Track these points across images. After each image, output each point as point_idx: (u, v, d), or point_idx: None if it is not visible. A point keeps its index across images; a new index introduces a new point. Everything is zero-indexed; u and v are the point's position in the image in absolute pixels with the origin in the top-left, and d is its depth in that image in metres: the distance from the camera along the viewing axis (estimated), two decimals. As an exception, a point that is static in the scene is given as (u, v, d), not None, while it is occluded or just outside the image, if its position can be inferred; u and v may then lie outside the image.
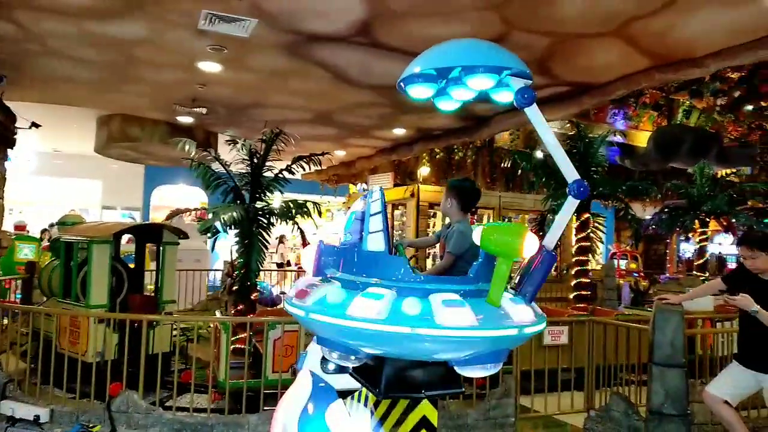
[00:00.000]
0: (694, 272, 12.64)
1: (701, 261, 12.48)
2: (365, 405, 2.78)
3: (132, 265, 7.40)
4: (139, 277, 7.38)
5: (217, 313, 7.18)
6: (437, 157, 11.35)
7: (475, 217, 12.00)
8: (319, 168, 8.07)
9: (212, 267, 13.16)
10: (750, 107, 14.79)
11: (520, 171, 12.22)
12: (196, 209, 10.44)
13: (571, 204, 1.94)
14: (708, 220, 12.25)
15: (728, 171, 15.90)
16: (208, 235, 7.18)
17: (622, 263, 17.89)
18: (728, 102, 14.83)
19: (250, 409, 5.11)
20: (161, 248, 6.99)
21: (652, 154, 14.16)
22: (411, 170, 12.18)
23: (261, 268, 7.24)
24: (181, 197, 18.25)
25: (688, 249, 15.70)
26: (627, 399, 4.92)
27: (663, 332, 4.50)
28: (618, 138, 15.74)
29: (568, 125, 13.37)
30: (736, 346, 4.14)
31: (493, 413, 4.90)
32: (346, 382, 2.89)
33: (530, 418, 5.28)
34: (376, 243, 2.11)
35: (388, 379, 2.16)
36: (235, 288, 7.04)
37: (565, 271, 10.90)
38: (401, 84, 2.17)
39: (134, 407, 4.68)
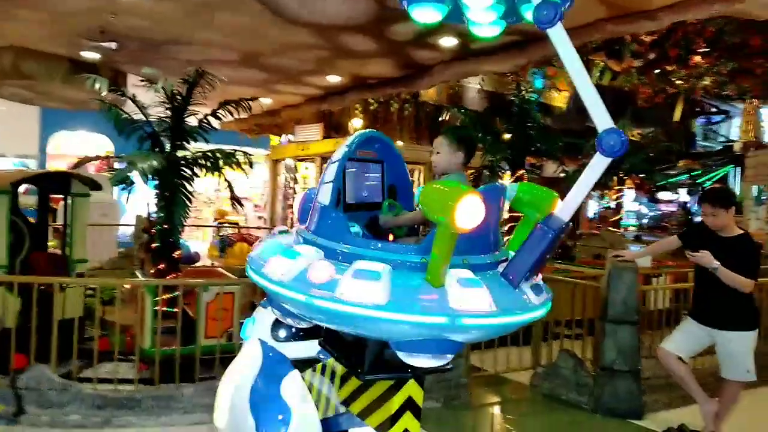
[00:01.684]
0: (610, 228, 13.26)
1: (617, 217, 13.09)
2: (331, 380, 2.45)
3: (33, 220, 6.52)
4: (43, 233, 6.52)
5: (139, 275, 6.51)
6: (372, 108, 10.89)
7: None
8: (241, 116, 7.39)
9: (121, 221, 12.12)
10: (657, 70, 15.45)
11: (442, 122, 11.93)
12: (104, 157, 9.48)
13: (598, 163, 1.56)
14: (625, 178, 12.76)
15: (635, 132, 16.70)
16: (121, 186, 6.50)
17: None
18: (643, 64, 15.39)
19: (183, 379, 4.63)
20: (70, 200, 6.18)
21: (572, 114, 14.50)
22: (339, 122, 11.67)
23: (185, 223, 6.65)
24: (81, 144, 16.63)
25: (593, 206, 16.43)
26: (575, 355, 4.91)
27: (617, 290, 4.47)
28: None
29: (484, 81, 13.30)
30: (692, 302, 4.17)
31: (446, 375, 4.74)
32: (302, 349, 2.56)
33: (481, 377, 5.18)
34: (323, 195, 1.93)
35: (371, 358, 1.92)
36: (154, 245, 6.43)
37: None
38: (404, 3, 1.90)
39: (46, 382, 4.06)
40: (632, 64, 15.41)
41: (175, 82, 6.33)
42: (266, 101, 11.46)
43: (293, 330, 2.41)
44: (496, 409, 4.81)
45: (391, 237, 2.32)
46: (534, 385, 5.05)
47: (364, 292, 1.57)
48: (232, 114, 6.83)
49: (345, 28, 6.50)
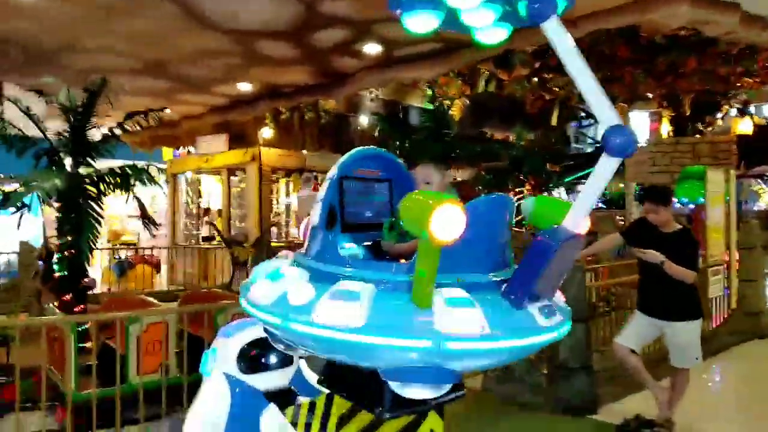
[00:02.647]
0: (515, 229, 13.85)
1: (520, 218, 13.67)
2: (323, 421, 2.24)
3: None
4: None
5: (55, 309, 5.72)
6: (283, 117, 10.53)
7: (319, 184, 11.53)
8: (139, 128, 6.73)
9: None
10: (535, 78, 16.47)
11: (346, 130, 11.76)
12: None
13: (606, 165, 1.39)
14: (525, 180, 13.40)
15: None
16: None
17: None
18: (529, 73, 16.31)
19: (108, 423, 4.09)
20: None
21: (467, 120, 15.02)
22: (245, 132, 11.16)
23: (94, 247, 6.03)
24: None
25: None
26: (528, 356, 4.96)
27: (566, 288, 4.56)
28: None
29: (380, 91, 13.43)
30: (638, 296, 4.34)
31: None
32: (273, 379, 2.34)
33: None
34: (313, 215, 1.81)
35: (392, 393, 1.72)
36: (57, 274, 5.75)
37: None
38: (397, 11, 1.65)
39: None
40: (522, 73, 16.30)
41: (75, 93, 5.72)
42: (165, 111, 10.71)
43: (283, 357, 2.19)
44: (451, 418, 4.73)
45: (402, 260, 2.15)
46: (487, 389, 5.04)
47: (340, 314, 1.44)
48: (141, 126, 6.29)
49: (264, 34, 6.20)
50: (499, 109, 14.84)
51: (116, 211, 13.25)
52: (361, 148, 2.06)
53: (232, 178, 11.14)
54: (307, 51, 6.81)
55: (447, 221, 1.34)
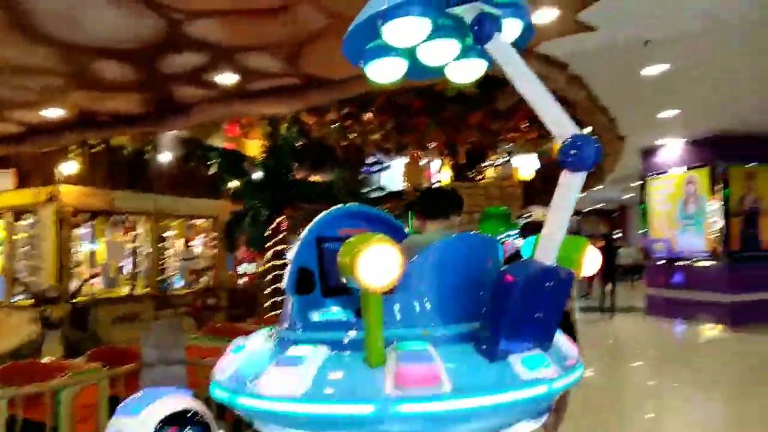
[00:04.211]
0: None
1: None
2: None
3: None
4: None
5: None
6: (93, 150, 9.18)
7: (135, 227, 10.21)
8: None
9: None
10: (335, 125, 17.34)
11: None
12: None
13: (569, 183, 1.28)
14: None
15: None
16: None
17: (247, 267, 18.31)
18: (337, 119, 17.00)
19: None
20: None
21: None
22: (39, 168, 9.48)
23: None
24: None
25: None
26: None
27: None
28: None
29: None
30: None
31: None
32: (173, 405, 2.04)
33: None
34: (284, 278, 1.78)
35: None
36: None
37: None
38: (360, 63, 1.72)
39: None
40: (330, 118, 16.88)
41: None
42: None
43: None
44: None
45: None
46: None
47: (282, 382, 1.31)
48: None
49: (107, 52, 5.40)
50: (310, 152, 15.11)
51: None
52: (339, 206, 1.94)
53: (19, 222, 9.29)
54: (149, 76, 6.10)
55: (376, 265, 1.19)
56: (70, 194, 9.01)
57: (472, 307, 1.44)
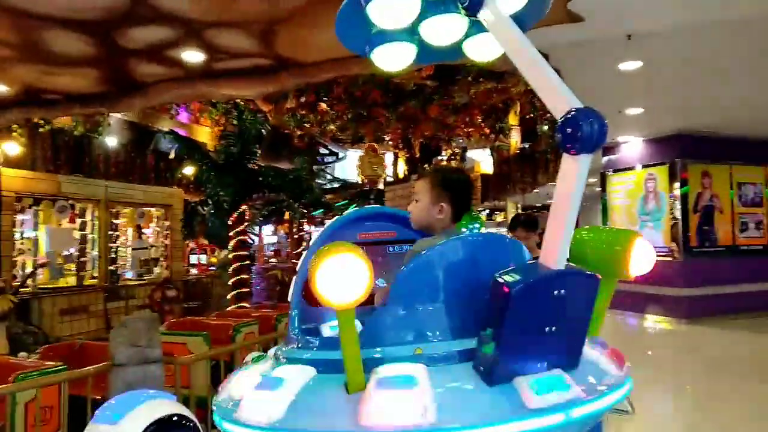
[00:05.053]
0: (294, 260, 13.62)
1: (300, 249, 13.57)
2: None
3: None
4: None
5: None
6: (41, 130, 8.51)
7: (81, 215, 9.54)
8: None
9: None
10: (290, 114, 17.01)
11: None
12: None
13: (569, 171, 1.09)
14: (305, 211, 13.38)
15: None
16: None
17: (200, 258, 17.75)
18: (295, 107, 16.65)
19: None
20: None
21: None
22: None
23: None
24: None
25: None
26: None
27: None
28: (181, 131, 15.66)
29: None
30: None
31: None
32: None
33: None
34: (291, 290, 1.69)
35: None
36: None
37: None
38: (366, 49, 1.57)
39: None
40: (289, 106, 16.46)
41: None
42: None
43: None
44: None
45: None
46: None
47: (259, 407, 1.17)
48: None
49: (63, 22, 4.93)
50: (266, 140, 14.75)
51: None
52: (357, 209, 1.81)
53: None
54: (107, 51, 5.64)
55: (338, 279, 1.01)
56: (12, 178, 8.34)
57: (472, 319, 1.23)
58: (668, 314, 9.68)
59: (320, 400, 1.14)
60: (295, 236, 13.84)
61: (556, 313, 1.14)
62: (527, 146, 16.33)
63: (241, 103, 15.54)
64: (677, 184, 9.89)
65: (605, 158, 11.24)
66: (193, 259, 17.02)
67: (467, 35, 1.55)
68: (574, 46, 5.80)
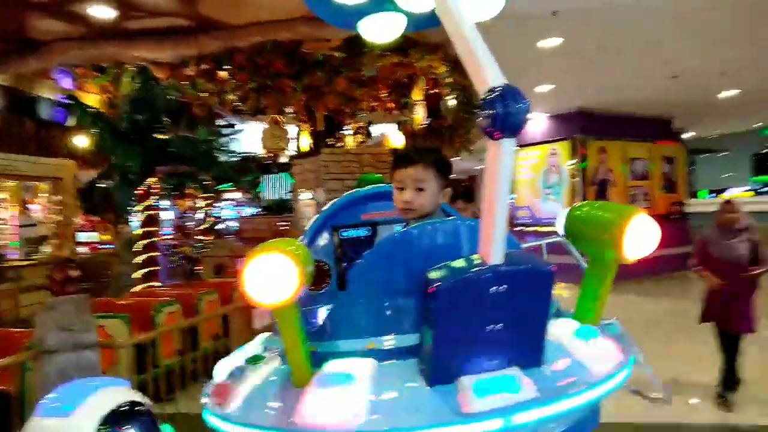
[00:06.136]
0: (199, 237, 12.98)
1: (207, 225, 12.94)
2: None
3: None
4: None
5: None
6: None
7: None
8: None
9: None
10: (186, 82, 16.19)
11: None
12: None
13: (494, 157, 0.99)
14: (210, 184, 12.74)
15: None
16: None
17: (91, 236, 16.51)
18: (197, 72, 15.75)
19: None
20: None
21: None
22: None
23: None
24: None
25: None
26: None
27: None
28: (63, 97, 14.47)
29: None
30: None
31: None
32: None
33: None
34: None
35: None
36: None
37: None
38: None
39: None
40: (187, 73, 15.54)
41: None
42: None
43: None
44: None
45: None
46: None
47: (215, 399, 1.19)
48: None
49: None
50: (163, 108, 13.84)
51: None
52: (359, 189, 1.71)
53: None
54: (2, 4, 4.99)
55: (265, 279, 0.98)
56: None
57: None
58: (567, 281, 10.36)
59: (270, 394, 1.13)
60: (199, 212, 13.18)
61: (498, 310, 1.04)
62: (431, 122, 16.55)
63: (130, 67, 14.44)
64: (577, 158, 10.55)
65: (511, 134, 11.72)
66: (82, 237, 15.79)
67: None
68: (499, 19, 5.93)
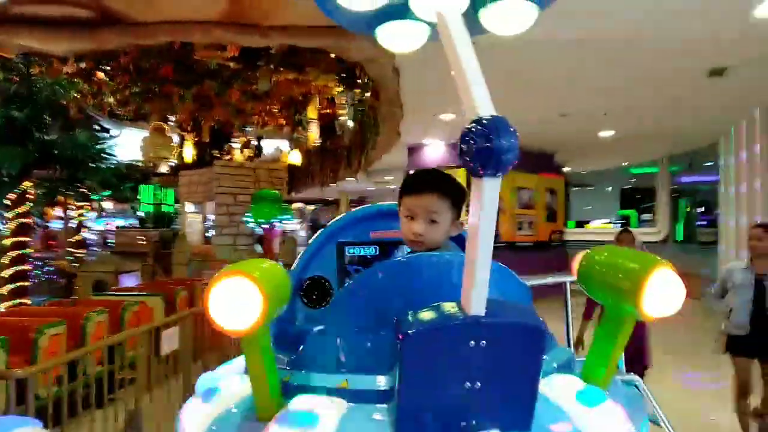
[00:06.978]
0: (70, 249, 11.76)
1: (78, 237, 11.74)
2: None
3: None
4: None
5: None
6: None
7: None
8: None
9: None
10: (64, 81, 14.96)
11: None
12: None
13: (477, 191, 0.86)
14: (89, 192, 11.64)
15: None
16: None
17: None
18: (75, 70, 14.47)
19: None
20: None
21: None
22: None
23: None
24: None
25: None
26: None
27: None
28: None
29: None
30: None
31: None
32: None
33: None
34: None
35: None
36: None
37: None
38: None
39: None
40: (66, 71, 14.21)
41: None
42: None
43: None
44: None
45: None
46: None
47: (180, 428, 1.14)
48: None
49: None
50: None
51: None
52: (368, 205, 1.66)
53: None
54: None
55: (228, 304, 0.91)
56: None
57: None
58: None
59: (234, 424, 1.05)
60: (71, 222, 11.97)
61: (478, 366, 0.92)
62: (325, 141, 16.34)
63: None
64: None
65: (410, 158, 11.99)
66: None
67: (481, 4, 1.33)
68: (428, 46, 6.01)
